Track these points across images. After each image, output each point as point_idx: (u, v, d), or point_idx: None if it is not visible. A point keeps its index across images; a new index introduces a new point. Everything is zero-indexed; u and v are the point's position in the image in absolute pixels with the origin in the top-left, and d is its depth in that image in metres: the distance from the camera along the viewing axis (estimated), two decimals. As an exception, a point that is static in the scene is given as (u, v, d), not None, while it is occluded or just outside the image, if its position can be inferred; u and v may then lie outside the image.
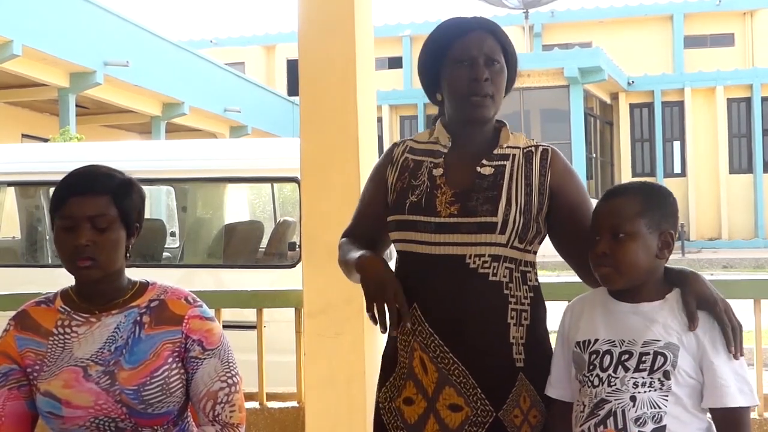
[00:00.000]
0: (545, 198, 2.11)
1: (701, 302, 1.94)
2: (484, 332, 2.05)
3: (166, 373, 2.08)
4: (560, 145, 22.97)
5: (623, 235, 1.94)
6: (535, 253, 2.15)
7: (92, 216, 2.04)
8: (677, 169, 25.06)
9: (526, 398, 2.08)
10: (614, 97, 25.38)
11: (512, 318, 2.07)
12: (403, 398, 2.11)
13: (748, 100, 24.41)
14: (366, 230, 2.26)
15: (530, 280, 2.12)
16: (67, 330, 2.10)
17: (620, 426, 1.91)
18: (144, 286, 2.18)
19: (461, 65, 2.10)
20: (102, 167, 2.16)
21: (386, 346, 2.21)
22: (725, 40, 28.43)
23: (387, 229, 2.17)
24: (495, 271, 2.05)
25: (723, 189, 24.27)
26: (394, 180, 2.19)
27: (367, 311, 2.02)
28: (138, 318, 2.11)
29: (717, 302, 1.94)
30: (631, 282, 1.97)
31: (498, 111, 2.15)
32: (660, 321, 1.94)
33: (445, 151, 2.16)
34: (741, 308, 3.85)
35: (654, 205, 1.99)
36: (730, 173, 24.51)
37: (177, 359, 2.11)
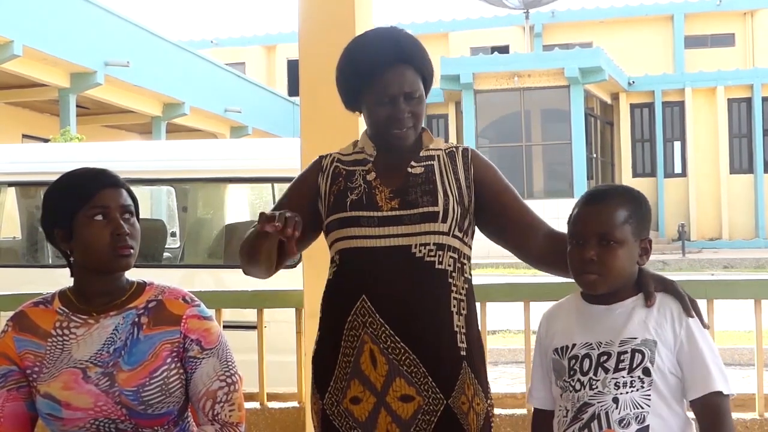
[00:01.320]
0: (472, 192, 2.23)
1: (657, 282, 2.03)
2: (432, 320, 2.11)
3: (165, 374, 2.08)
4: (561, 145, 23.00)
5: (613, 243, 1.94)
6: (470, 247, 2.24)
7: (123, 206, 2.10)
8: (678, 170, 25.06)
9: (470, 386, 2.14)
10: (615, 97, 25.37)
11: (454, 307, 2.14)
12: (350, 398, 2.13)
13: (748, 100, 24.40)
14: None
15: (466, 273, 2.20)
16: (66, 331, 2.09)
17: (604, 428, 1.91)
18: (142, 287, 2.17)
19: (382, 103, 2.16)
20: (91, 167, 2.18)
21: (318, 353, 2.23)
22: (726, 40, 28.43)
23: (307, 235, 2.22)
24: (440, 260, 2.13)
25: (723, 189, 24.26)
26: (327, 186, 2.24)
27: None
28: (136, 319, 2.11)
29: (671, 281, 2.06)
30: (613, 287, 1.98)
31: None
32: (636, 318, 1.96)
33: (372, 159, 2.23)
34: (742, 308, 3.86)
35: (638, 212, 2.00)
36: (730, 173, 24.51)
37: (176, 359, 2.11)
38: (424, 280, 2.10)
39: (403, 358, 2.08)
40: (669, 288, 2.03)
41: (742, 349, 8.70)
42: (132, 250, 2.09)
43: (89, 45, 14.96)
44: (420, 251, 2.11)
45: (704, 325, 1.99)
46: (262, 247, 2.10)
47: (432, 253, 2.11)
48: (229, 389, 2.13)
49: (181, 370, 2.12)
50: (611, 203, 1.98)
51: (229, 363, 2.16)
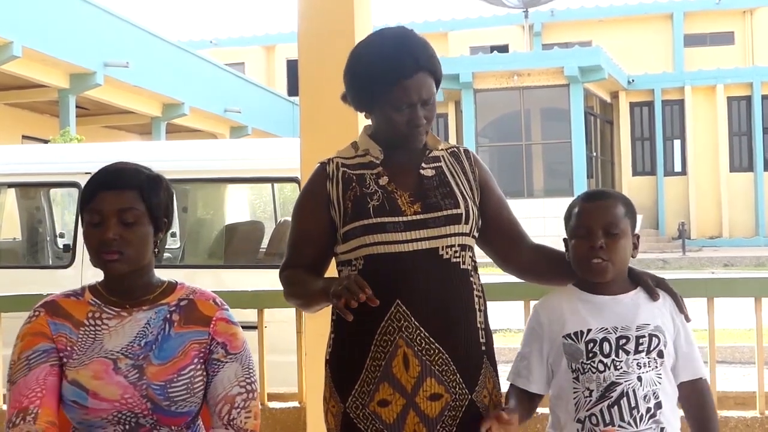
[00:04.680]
0: (478, 193, 2.28)
1: (652, 279, 2.24)
2: (461, 319, 2.16)
3: (192, 373, 2.09)
4: (560, 144, 23.00)
5: (617, 233, 2.15)
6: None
7: (120, 210, 2.07)
8: (678, 168, 25.07)
9: (489, 379, 2.22)
10: (614, 95, 25.38)
11: (476, 304, 2.21)
12: (377, 401, 2.13)
13: (748, 99, 24.40)
14: (307, 255, 2.25)
15: (478, 269, 2.26)
16: (98, 322, 2.11)
17: (633, 404, 2.09)
18: (173, 285, 2.20)
19: (400, 109, 2.17)
20: (131, 164, 2.17)
21: (338, 357, 2.22)
22: (725, 38, 28.43)
23: (331, 247, 2.24)
24: (464, 260, 2.19)
25: (723, 187, 24.27)
26: (339, 193, 2.20)
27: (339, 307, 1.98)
28: (168, 315, 2.13)
29: (662, 278, 2.27)
30: (616, 274, 2.18)
31: None
32: (644, 308, 2.18)
33: (378, 162, 2.23)
34: (742, 307, 3.86)
35: (631, 212, 2.22)
36: (730, 171, 24.51)
37: (201, 360, 2.12)
38: (453, 281, 2.16)
39: (436, 358, 2.11)
40: (662, 285, 2.25)
41: (743, 347, 8.70)
42: (119, 255, 2.06)
43: (88, 46, 14.96)
44: (447, 253, 2.15)
45: (688, 320, 2.24)
46: (320, 304, 2.19)
47: (457, 254, 2.17)
48: (247, 396, 2.13)
49: (205, 372, 2.13)
50: (612, 200, 2.21)
51: (251, 371, 2.17)
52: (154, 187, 2.14)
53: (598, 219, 2.16)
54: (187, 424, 2.14)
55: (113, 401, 2.03)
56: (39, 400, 2.01)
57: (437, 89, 2.24)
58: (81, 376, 2.05)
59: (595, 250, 2.13)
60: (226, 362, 2.13)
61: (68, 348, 2.09)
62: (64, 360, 2.08)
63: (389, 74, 2.14)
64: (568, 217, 2.23)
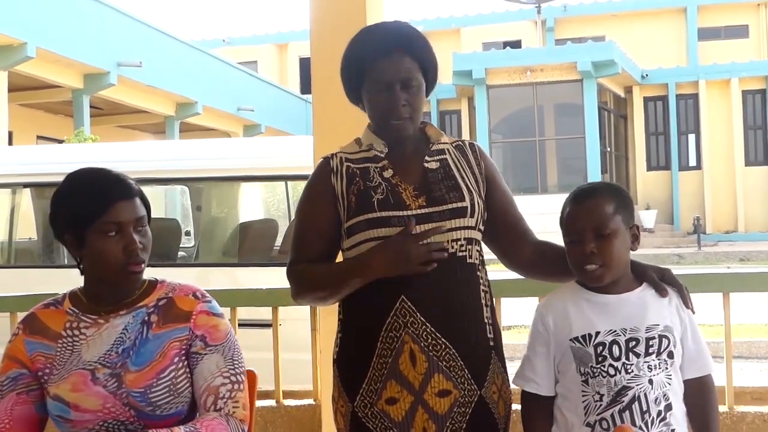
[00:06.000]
0: (484, 186, 2.25)
1: (657, 273, 2.16)
2: (468, 314, 2.13)
3: (173, 374, 2.04)
4: (574, 139, 22.93)
5: (608, 233, 2.07)
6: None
7: (137, 219, 2.06)
8: (692, 162, 24.95)
9: (498, 375, 2.19)
10: (628, 90, 25.28)
11: (483, 299, 2.18)
12: (385, 399, 2.11)
13: (763, 92, 24.27)
14: (315, 251, 2.22)
15: (486, 264, 2.23)
16: (76, 332, 2.07)
17: (644, 408, 2.04)
18: (153, 285, 2.15)
19: (379, 91, 2.16)
20: (106, 170, 2.13)
21: (344, 356, 2.20)
22: (739, 31, 28.26)
23: (337, 242, 2.22)
24: (470, 254, 2.16)
25: (739, 181, 24.15)
26: (344, 187, 2.18)
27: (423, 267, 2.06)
28: (146, 318, 2.08)
29: (667, 269, 2.19)
30: (615, 276, 2.10)
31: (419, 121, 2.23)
32: (651, 306, 2.10)
33: (383, 155, 2.21)
34: (758, 301, 3.84)
35: (623, 203, 2.13)
36: (745, 165, 24.39)
37: (183, 357, 2.07)
38: (459, 276, 2.12)
39: (443, 353, 2.09)
40: (667, 277, 2.16)
41: (759, 342, 8.66)
42: (143, 265, 2.06)
43: (102, 46, 15.03)
44: (452, 247, 2.12)
45: (693, 312, 2.16)
46: (348, 289, 2.14)
47: (463, 248, 2.14)
48: (233, 387, 2.06)
49: (188, 369, 2.08)
50: (599, 198, 2.11)
51: (236, 362, 2.10)
52: (143, 192, 2.14)
53: (586, 223, 2.08)
54: (184, 423, 2.07)
55: (95, 412, 2.00)
56: None
57: (429, 80, 2.21)
58: (61, 390, 2.02)
59: (587, 256, 2.07)
60: (206, 354, 2.07)
61: (47, 365, 2.06)
62: (44, 378, 2.06)
63: (366, 53, 2.19)
64: (560, 220, 2.16)
